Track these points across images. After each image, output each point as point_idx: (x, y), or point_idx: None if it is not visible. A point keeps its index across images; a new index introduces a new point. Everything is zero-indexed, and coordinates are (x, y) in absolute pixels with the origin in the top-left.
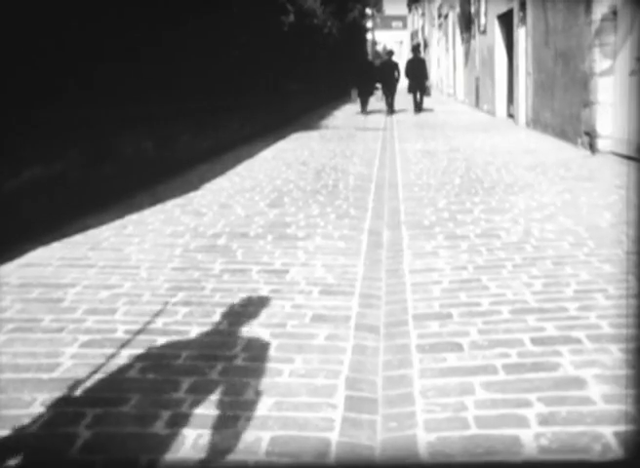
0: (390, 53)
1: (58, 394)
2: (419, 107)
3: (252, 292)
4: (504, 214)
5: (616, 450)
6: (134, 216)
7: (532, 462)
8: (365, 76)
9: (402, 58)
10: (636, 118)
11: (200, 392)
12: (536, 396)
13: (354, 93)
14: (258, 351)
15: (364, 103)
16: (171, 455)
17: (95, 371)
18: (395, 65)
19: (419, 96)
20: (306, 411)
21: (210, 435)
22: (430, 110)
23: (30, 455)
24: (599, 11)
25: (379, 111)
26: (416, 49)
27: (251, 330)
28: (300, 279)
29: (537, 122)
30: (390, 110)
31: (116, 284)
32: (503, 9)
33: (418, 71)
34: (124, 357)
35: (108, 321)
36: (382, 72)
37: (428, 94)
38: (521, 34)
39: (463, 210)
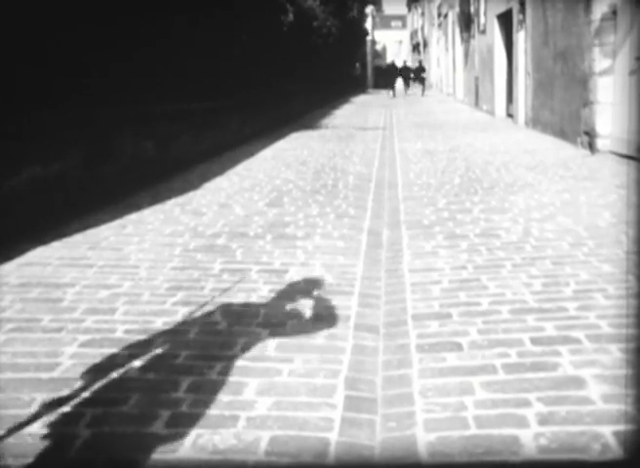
0: (393, 61)
1: (57, 394)
2: (405, 92)
3: (251, 291)
4: (504, 213)
5: (615, 450)
6: (133, 216)
7: (531, 462)
8: (389, 75)
9: (401, 56)
10: (636, 118)
11: (199, 392)
12: (535, 396)
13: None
14: (257, 351)
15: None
16: (170, 455)
17: (94, 371)
18: (396, 68)
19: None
20: (306, 411)
21: (209, 435)
22: (413, 95)
23: (30, 455)
24: (599, 10)
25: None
26: (404, 62)
27: (250, 329)
28: (300, 278)
29: (536, 121)
30: (393, 95)
31: (116, 283)
32: (503, 8)
33: (405, 74)
34: (123, 357)
35: (108, 320)
36: (387, 72)
37: (407, 85)
38: (520, 34)
39: (463, 209)
